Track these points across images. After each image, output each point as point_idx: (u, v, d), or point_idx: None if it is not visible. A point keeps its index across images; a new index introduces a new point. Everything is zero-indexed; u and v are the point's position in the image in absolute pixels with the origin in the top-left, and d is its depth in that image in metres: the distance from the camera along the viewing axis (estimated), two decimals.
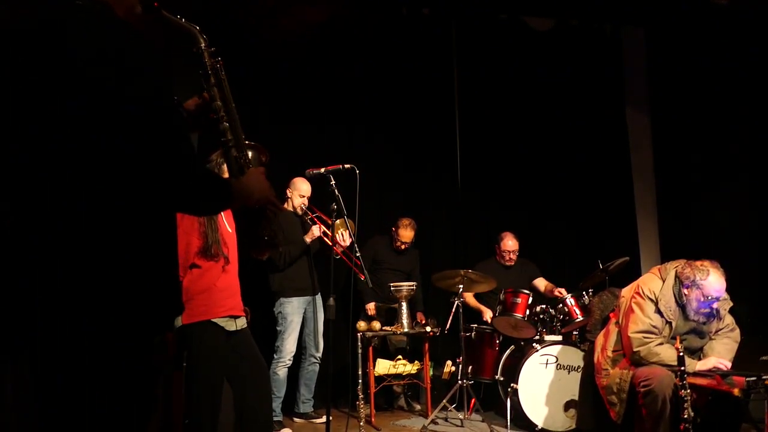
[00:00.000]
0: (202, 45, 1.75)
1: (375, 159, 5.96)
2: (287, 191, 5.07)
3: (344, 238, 4.76)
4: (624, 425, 3.63)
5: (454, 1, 6.46)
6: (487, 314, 5.41)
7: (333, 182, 3.76)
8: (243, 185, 1.69)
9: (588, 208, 6.65)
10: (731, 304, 3.81)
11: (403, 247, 5.54)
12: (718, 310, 3.74)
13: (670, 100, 6.78)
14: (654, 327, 3.58)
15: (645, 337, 3.57)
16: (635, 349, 3.58)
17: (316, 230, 4.89)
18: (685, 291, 3.61)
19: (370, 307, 5.33)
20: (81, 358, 1.38)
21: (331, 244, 4.02)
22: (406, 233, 5.50)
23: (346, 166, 3.77)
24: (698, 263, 3.63)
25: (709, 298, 3.56)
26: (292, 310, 4.92)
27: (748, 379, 3.22)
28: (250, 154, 1.84)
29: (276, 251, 4.79)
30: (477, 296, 5.64)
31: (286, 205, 5.06)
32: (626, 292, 3.86)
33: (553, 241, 6.55)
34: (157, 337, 1.53)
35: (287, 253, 4.87)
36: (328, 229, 4.79)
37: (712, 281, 3.56)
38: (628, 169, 6.91)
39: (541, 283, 5.73)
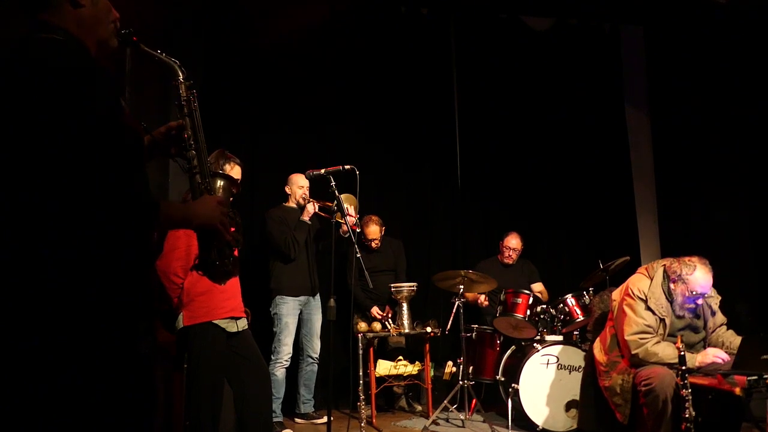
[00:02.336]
0: (180, 78, 1.84)
1: (374, 159, 5.96)
2: (286, 188, 5.12)
3: (349, 212, 4.74)
4: (627, 425, 3.63)
5: (452, 0, 6.46)
6: (481, 297, 5.52)
7: (333, 183, 3.75)
8: (185, 209, 1.76)
9: (588, 208, 6.64)
10: (719, 297, 3.83)
11: (374, 245, 5.49)
12: (709, 306, 3.75)
13: (670, 99, 6.77)
14: (648, 326, 3.58)
15: (641, 338, 3.57)
16: (633, 352, 3.58)
17: (310, 207, 4.91)
18: (672, 286, 3.63)
19: (376, 310, 5.29)
20: (63, 348, 1.40)
21: (328, 215, 4.00)
22: (371, 230, 5.44)
23: (347, 167, 3.76)
24: (686, 259, 3.65)
25: (694, 293, 3.57)
26: (287, 311, 4.92)
27: (749, 378, 3.22)
28: (220, 182, 1.95)
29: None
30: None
31: (288, 202, 5.09)
32: (616, 294, 3.86)
33: (553, 240, 6.55)
34: (141, 323, 1.56)
35: (293, 239, 4.90)
36: (331, 214, 4.82)
37: (698, 277, 3.57)
38: (628, 168, 6.90)
39: (536, 287, 5.75)
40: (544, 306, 5.07)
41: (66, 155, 1.43)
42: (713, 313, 3.80)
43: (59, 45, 1.52)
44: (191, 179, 1.83)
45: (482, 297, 5.54)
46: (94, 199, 1.45)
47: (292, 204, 5.09)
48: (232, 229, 1.84)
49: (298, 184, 5.05)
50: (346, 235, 4.66)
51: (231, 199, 2.02)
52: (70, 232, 1.44)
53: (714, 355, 3.53)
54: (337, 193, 3.79)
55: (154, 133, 1.92)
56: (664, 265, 3.72)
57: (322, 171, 3.81)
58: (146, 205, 1.56)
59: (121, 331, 1.50)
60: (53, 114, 1.43)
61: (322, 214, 4.92)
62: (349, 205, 4.59)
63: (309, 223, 4.95)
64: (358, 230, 4.12)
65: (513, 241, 5.75)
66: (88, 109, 1.46)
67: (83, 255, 1.45)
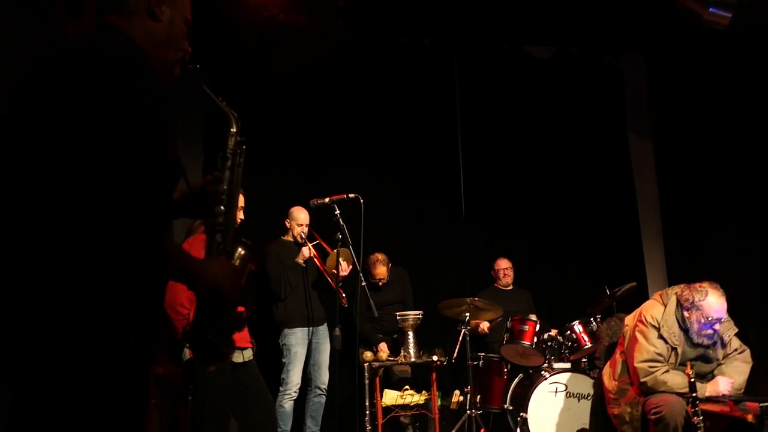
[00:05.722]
0: (233, 130, 1.74)
1: (378, 189, 5.95)
2: (286, 222, 5.10)
3: (342, 267, 4.73)
4: None
5: (455, 31, 6.52)
6: (483, 324, 5.50)
7: (338, 212, 3.76)
8: (197, 264, 1.52)
9: (593, 236, 6.62)
10: (736, 329, 3.77)
11: (381, 283, 5.44)
12: (722, 337, 3.69)
13: (673, 126, 6.79)
14: (658, 355, 3.55)
15: (650, 367, 3.53)
16: (642, 380, 3.54)
17: (306, 251, 4.88)
18: (686, 314, 3.59)
19: (383, 347, 5.20)
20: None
21: (325, 271, 3.99)
22: (378, 271, 5.38)
23: (350, 195, 3.78)
24: (697, 285, 3.62)
25: (710, 319, 3.53)
26: (296, 341, 4.89)
27: (761, 405, 3.19)
28: (240, 251, 1.70)
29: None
30: None
31: (287, 236, 5.08)
32: (629, 320, 3.84)
33: (560, 268, 6.52)
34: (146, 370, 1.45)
35: (286, 280, 4.86)
36: (324, 259, 4.81)
37: (712, 302, 3.53)
38: (633, 196, 6.89)
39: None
40: (552, 333, 5.04)
41: (92, 164, 1.29)
42: (724, 345, 3.75)
43: (127, 49, 1.40)
44: (211, 236, 1.63)
45: (483, 324, 5.50)
46: (105, 230, 1.31)
47: (289, 238, 5.07)
48: (241, 309, 1.65)
49: (298, 221, 4.99)
50: (340, 285, 4.54)
51: (246, 273, 1.79)
52: (70, 260, 1.32)
53: (728, 383, 3.48)
54: (341, 222, 3.80)
55: (193, 184, 1.74)
56: (677, 292, 3.69)
57: (326, 200, 3.83)
58: (153, 248, 1.39)
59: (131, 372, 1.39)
60: (100, 123, 1.31)
61: (318, 264, 4.92)
62: (343, 259, 4.58)
63: (303, 265, 4.92)
64: (361, 282, 4.09)
65: (503, 263, 5.86)
66: (137, 127, 1.34)
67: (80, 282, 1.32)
